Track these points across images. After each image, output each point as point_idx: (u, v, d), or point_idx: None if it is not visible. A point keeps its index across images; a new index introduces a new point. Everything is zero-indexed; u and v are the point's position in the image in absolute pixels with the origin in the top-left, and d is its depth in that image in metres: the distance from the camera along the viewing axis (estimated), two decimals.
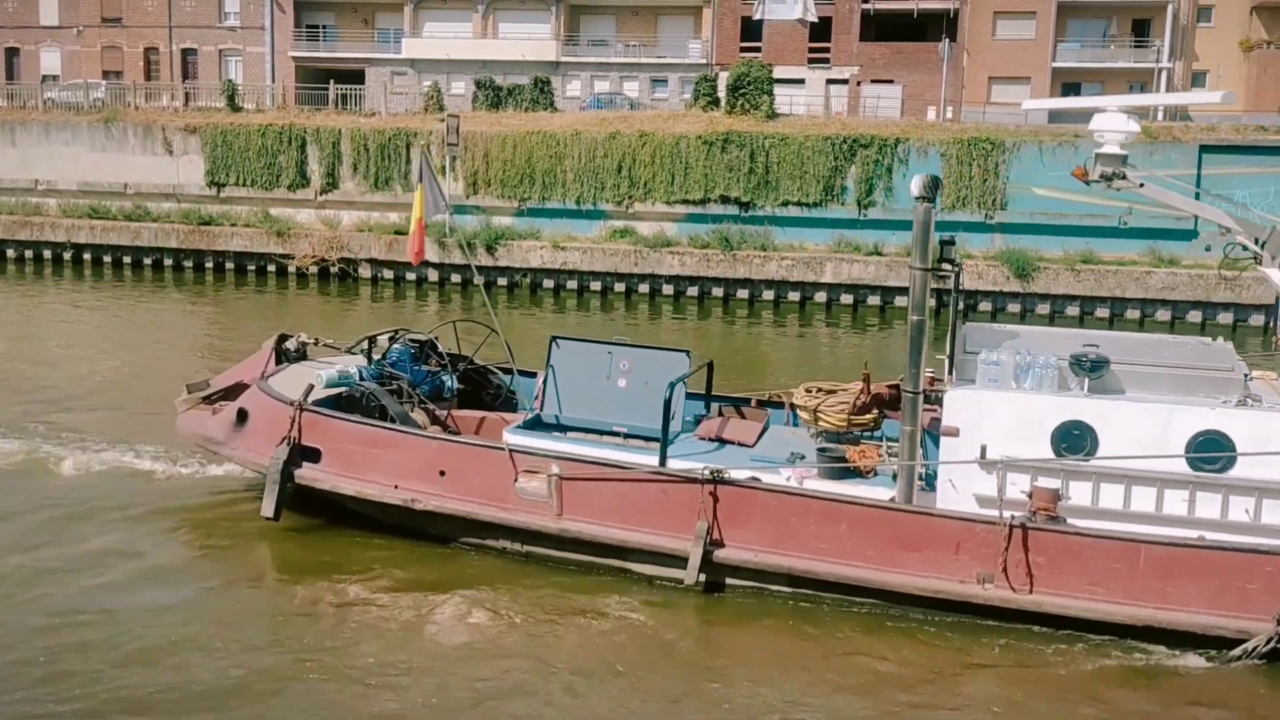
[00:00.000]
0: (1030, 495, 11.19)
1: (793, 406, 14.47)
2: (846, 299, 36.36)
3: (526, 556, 13.10)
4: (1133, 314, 34.89)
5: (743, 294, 37.13)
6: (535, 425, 14.13)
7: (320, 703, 10.38)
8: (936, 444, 12.28)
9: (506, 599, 12.40)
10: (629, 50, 58.13)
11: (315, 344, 16.40)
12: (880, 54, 54.92)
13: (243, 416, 14.30)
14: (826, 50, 55.30)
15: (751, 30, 55.42)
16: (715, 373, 15.19)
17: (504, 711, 10.29)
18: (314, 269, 39.14)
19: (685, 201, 39.63)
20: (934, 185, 11.54)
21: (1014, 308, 35.63)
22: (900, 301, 35.78)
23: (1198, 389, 11.73)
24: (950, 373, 12.21)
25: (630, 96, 55.17)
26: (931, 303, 12.48)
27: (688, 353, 14.03)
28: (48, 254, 41.72)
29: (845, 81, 54.79)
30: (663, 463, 12.56)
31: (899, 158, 38.96)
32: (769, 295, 36.95)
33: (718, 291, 37.21)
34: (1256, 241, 12.69)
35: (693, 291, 37.35)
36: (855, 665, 11.08)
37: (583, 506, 12.55)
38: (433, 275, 38.98)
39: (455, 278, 38.84)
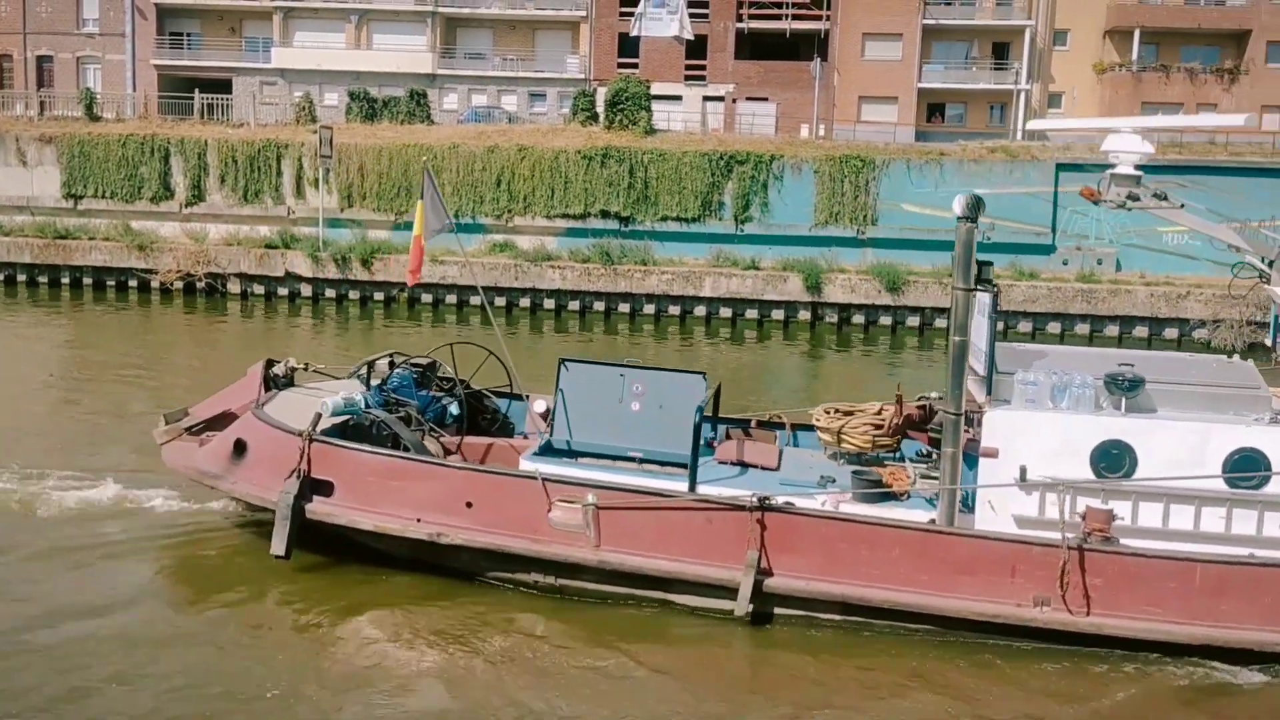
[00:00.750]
0: (1084, 517, 11.10)
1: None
2: (725, 313, 36.82)
3: (560, 590, 12.37)
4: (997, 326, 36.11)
5: (624, 308, 37.25)
6: (547, 451, 13.49)
7: None
8: (969, 465, 12.08)
9: (545, 636, 11.57)
10: (507, 64, 57.87)
11: (305, 369, 15.39)
12: (755, 72, 55.96)
13: (241, 448, 13.27)
14: (703, 68, 56.08)
15: (629, 46, 55.83)
16: None
17: None
18: (179, 284, 37.69)
19: (565, 216, 39.58)
20: (976, 205, 11.31)
21: (885, 320, 36.61)
22: (776, 315, 36.46)
23: (1228, 407, 11.74)
24: (989, 393, 11.99)
25: (508, 110, 54.90)
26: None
27: (703, 375, 13.55)
28: None
29: (721, 99, 55.63)
30: (692, 488, 12.10)
31: (774, 174, 39.71)
32: (650, 309, 37.14)
33: (599, 305, 37.24)
34: (1264, 260, 12.85)
35: (574, 305, 37.30)
36: (923, 695, 10.73)
37: (622, 537, 11.92)
38: (305, 290, 38.00)
39: (330, 292, 37.95)
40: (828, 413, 13.63)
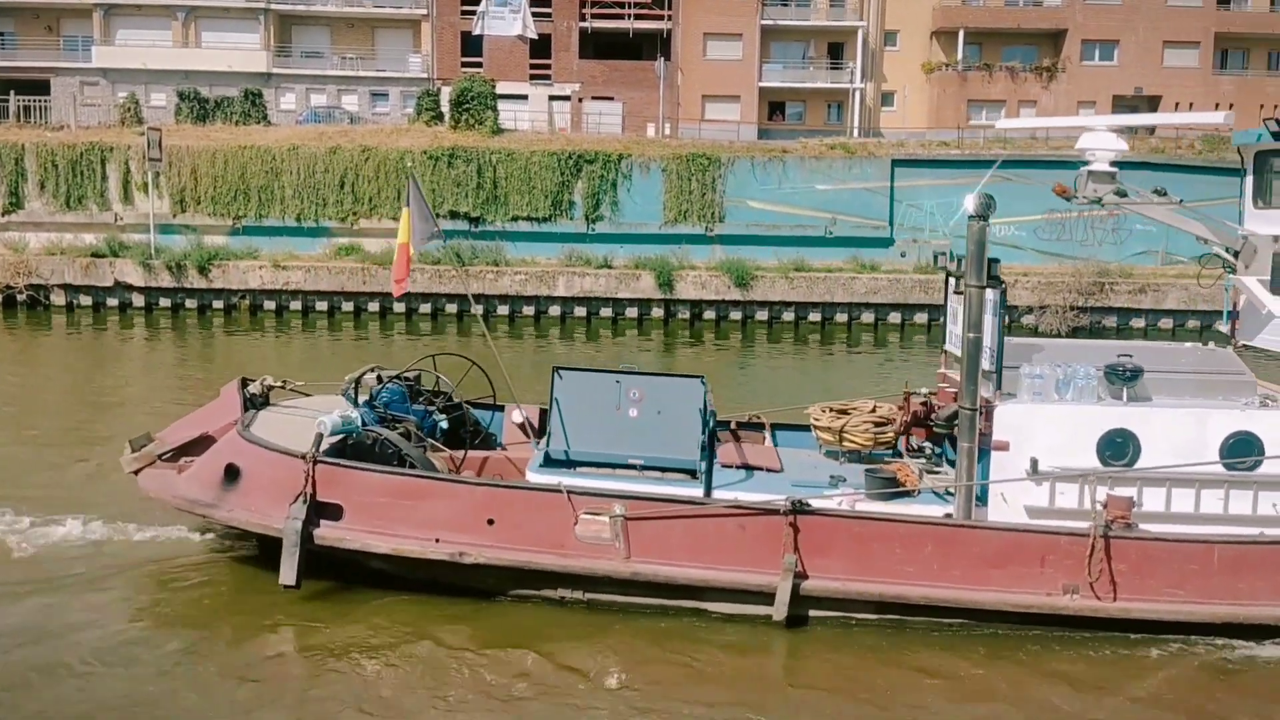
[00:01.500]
0: (1105, 505, 11.42)
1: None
2: (580, 312, 36.86)
3: (588, 604, 12.00)
4: (841, 317, 37.35)
5: (477, 309, 36.81)
6: (547, 462, 13.06)
7: None
8: (978, 458, 12.23)
9: (583, 652, 11.14)
10: (346, 63, 56.46)
11: (283, 387, 14.56)
12: (600, 72, 56.20)
13: (234, 473, 12.42)
14: (548, 67, 55.98)
15: (472, 45, 55.25)
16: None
17: None
18: None
19: None
20: (988, 204, 11.47)
21: (736, 315, 37.31)
22: (630, 313, 36.71)
23: (1218, 393, 12.25)
24: (998, 388, 12.18)
25: (350, 110, 53.60)
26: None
27: (702, 378, 13.29)
28: None
29: (567, 98, 55.65)
30: (708, 494, 12.06)
31: (623, 173, 39.97)
32: (504, 310, 36.88)
33: (451, 308, 36.75)
34: (1228, 251, 13.48)
35: (425, 308, 36.69)
36: (967, 686, 10.78)
37: (652, 547, 11.69)
38: (138, 300, 36.22)
39: (165, 302, 36.29)
40: (825, 412, 13.79)
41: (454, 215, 38.95)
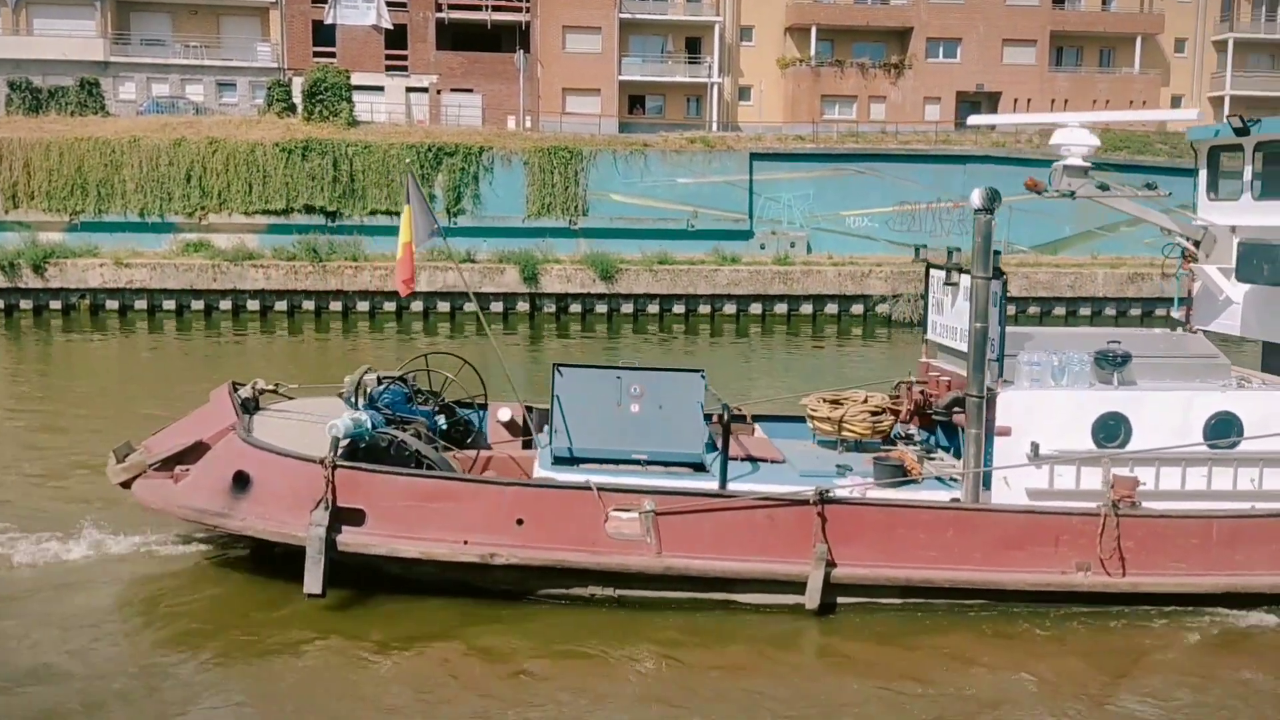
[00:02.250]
0: (1112, 485, 11.95)
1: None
2: (443, 306, 36.37)
3: (618, 601, 12.02)
4: (704, 309, 37.88)
5: (336, 306, 35.97)
6: (558, 460, 13.05)
7: None
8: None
9: (618, 648, 11.15)
10: (189, 51, 54.19)
11: (275, 390, 14.04)
12: (458, 63, 55.45)
13: (243, 480, 11.96)
14: (404, 58, 54.90)
15: (325, 35, 53.73)
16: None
17: None
18: None
19: (266, 212, 37.69)
20: (993, 198, 11.73)
21: (601, 308, 37.42)
22: (495, 307, 36.41)
23: (1196, 375, 13.04)
24: (1000, 375, 12.62)
25: (195, 101, 51.48)
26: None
27: (702, 372, 13.36)
28: None
29: (425, 90, 54.71)
30: (723, 486, 12.20)
31: (484, 166, 39.60)
32: (364, 306, 36.09)
33: (309, 305, 35.77)
34: (1189, 240, 14.19)
35: (281, 306, 35.60)
36: (996, 659, 11.22)
37: (683, 541, 11.85)
38: None
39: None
40: (822, 402, 14.07)
41: (309, 210, 37.91)
